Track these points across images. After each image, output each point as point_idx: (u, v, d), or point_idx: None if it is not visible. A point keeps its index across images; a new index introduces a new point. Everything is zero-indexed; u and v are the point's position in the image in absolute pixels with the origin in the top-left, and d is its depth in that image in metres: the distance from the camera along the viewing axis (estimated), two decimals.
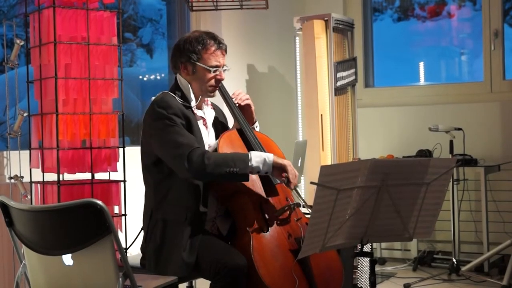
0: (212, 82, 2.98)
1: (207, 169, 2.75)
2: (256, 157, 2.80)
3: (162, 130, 2.83)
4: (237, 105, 3.10)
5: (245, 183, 2.87)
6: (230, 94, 3.11)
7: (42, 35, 3.79)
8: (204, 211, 2.87)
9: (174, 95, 2.95)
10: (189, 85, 3.00)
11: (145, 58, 5.81)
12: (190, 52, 2.95)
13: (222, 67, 3.00)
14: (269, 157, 2.82)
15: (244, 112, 3.11)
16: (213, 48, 2.96)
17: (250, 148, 2.96)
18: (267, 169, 2.81)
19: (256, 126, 3.19)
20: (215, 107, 3.19)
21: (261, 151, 2.96)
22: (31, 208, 2.36)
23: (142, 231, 3.00)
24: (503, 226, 5.30)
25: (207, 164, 2.74)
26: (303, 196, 2.89)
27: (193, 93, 3.00)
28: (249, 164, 2.77)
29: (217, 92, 3.06)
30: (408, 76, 6.32)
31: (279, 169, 2.83)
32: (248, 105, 3.12)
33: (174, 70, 3.05)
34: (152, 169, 2.95)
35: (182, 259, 2.79)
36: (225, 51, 3.01)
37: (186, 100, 2.98)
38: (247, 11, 5.19)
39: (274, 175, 2.87)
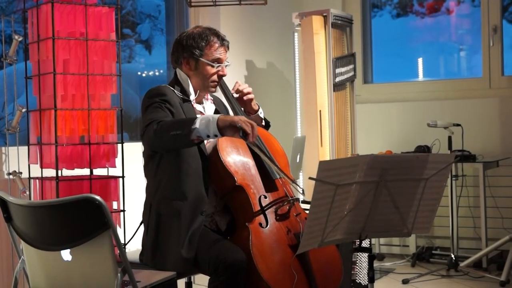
0: (215, 77, 3.00)
1: (156, 133, 2.70)
2: (202, 120, 2.66)
3: (147, 116, 2.84)
4: (237, 96, 3.10)
5: (244, 178, 2.87)
6: (230, 88, 3.11)
7: (40, 31, 3.79)
8: (202, 205, 2.86)
9: (173, 89, 2.97)
10: (189, 79, 3.01)
11: (143, 54, 5.81)
12: (193, 48, 2.97)
13: (224, 63, 3.02)
14: (214, 116, 2.66)
15: (244, 105, 3.11)
16: (216, 45, 2.99)
17: None
18: (214, 129, 2.63)
19: (261, 113, 3.19)
20: (215, 100, 3.19)
21: (261, 146, 2.97)
22: (29, 203, 2.36)
23: (142, 226, 3.01)
24: (502, 222, 5.30)
25: (155, 129, 2.70)
26: (301, 186, 2.87)
27: (192, 87, 3.01)
28: (192, 126, 2.64)
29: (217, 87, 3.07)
30: (407, 72, 6.33)
31: (229, 127, 2.66)
32: (249, 100, 3.12)
33: (175, 65, 3.06)
34: (147, 161, 2.96)
35: (181, 255, 2.79)
36: (228, 47, 3.04)
37: (185, 94, 2.99)
38: (246, 6, 5.19)
39: (228, 135, 2.69)
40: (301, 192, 2.94)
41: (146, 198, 3.00)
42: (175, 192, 2.86)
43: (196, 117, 2.69)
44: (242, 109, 3.09)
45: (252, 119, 3.10)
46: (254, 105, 3.14)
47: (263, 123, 3.22)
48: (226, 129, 2.65)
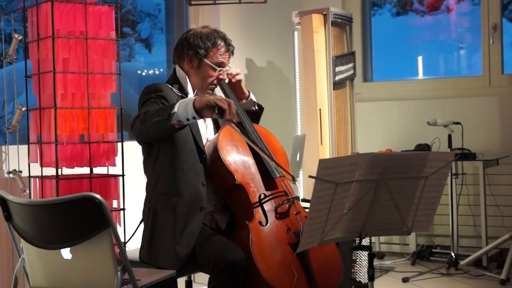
0: (214, 80, 3.00)
1: (142, 123, 2.70)
2: (181, 104, 2.66)
3: (141, 111, 2.84)
4: (227, 81, 3.10)
5: (244, 176, 2.87)
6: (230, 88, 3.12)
7: (40, 30, 3.79)
8: (199, 201, 2.86)
9: (171, 87, 2.97)
10: (187, 77, 3.01)
11: (143, 53, 5.81)
12: (199, 48, 2.97)
13: (226, 68, 3.03)
14: (191, 99, 2.66)
15: (235, 88, 3.12)
16: (222, 49, 3.00)
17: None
18: (191, 111, 2.62)
19: (252, 97, 3.19)
20: None
21: (260, 144, 2.97)
22: (29, 202, 2.36)
23: (142, 224, 3.01)
24: (502, 220, 5.31)
25: (142, 118, 2.71)
26: (301, 189, 2.88)
27: (191, 85, 3.02)
28: (172, 111, 2.64)
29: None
30: (407, 70, 6.33)
31: (206, 107, 2.62)
32: (238, 81, 3.12)
33: (177, 60, 3.06)
34: (146, 158, 2.98)
35: (174, 252, 2.79)
36: (232, 53, 3.05)
37: (183, 92, 2.99)
38: (245, 5, 5.19)
39: (207, 116, 2.68)
40: (292, 180, 2.92)
41: (146, 194, 3.01)
42: (170, 188, 2.86)
43: (176, 103, 2.68)
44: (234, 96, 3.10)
45: (244, 104, 3.11)
46: (244, 88, 3.15)
47: (256, 107, 3.21)
48: (203, 109, 2.63)
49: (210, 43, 2.98)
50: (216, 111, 2.61)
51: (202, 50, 2.97)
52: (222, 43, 3.00)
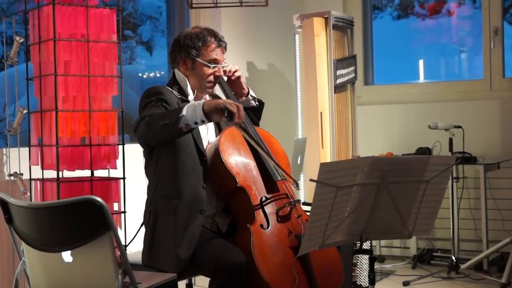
0: (211, 78, 3.00)
1: (147, 126, 2.70)
2: (189, 107, 2.65)
3: (142, 114, 2.84)
4: (226, 78, 3.09)
5: (246, 179, 2.87)
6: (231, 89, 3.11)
7: (41, 32, 3.79)
8: (200, 204, 2.86)
9: (171, 89, 2.97)
10: (186, 79, 3.01)
11: (144, 56, 5.81)
12: (190, 48, 2.97)
13: (221, 64, 3.02)
14: (200, 102, 2.64)
15: (234, 86, 3.11)
16: (213, 46, 2.99)
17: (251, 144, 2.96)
18: (200, 115, 2.61)
19: (251, 93, 3.18)
20: None
21: (262, 146, 2.96)
22: (30, 205, 2.36)
23: (143, 227, 3.01)
24: (503, 224, 5.30)
25: (147, 122, 2.70)
26: (302, 192, 2.88)
27: (191, 87, 3.02)
28: (180, 114, 2.62)
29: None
30: (408, 73, 6.33)
31: (215, 110, 2.62)
32: (237, 78, 3.11)
33: (173, 64, 3.07)
34: (147, 161, 2.98)
35: (175, 254, 2.79)
36: (225, 48, 3.04)
37: (183, 94, 2.99)
38: (247, 8, 5.19)
39: (215, 119, 2.67)
40: (295, 185, 2.92)
41: (147, 197, 3.00)
42: (171, 191, 2.86)
43: (184, 106, 2.67)
44: (233, 93, 3.09)
45: (244, 101, 3.11)
46: (244, 84, 3.14)
47: (256, 102, 3.20)
48: (212, 112, 2.63)
49: (201, 42, 2.97)
50: (226, 114, 2.61)
51: (194, 50, 2.97)
52: (213, 40, 2.99)
